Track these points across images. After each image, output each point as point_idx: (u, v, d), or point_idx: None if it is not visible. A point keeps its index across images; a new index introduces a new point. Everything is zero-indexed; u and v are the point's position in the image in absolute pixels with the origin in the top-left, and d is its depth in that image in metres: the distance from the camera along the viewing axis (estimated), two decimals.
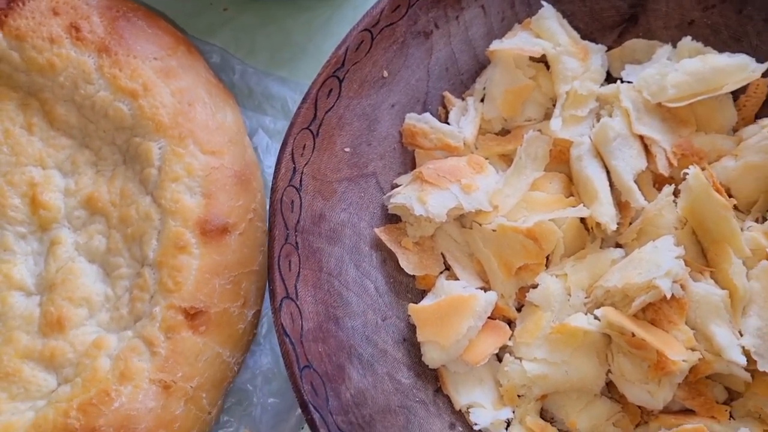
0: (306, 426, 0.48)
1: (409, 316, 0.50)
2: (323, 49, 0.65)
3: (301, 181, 0.48)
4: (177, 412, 0.48)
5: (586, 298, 0.49)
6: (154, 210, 0.50)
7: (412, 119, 0.53)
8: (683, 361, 0.44)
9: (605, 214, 0.48)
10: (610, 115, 0.52)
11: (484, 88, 0.55)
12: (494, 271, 0.50)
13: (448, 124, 0.54)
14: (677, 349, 0.44)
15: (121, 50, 0.52)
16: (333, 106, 0.50)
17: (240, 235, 0.50)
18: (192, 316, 0.48)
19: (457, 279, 0.50)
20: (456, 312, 0.47)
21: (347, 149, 0.51)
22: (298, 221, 0.47)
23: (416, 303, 0.50)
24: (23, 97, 0.53)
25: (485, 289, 0.49)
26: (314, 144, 0.49)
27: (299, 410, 0.51)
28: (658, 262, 0.45)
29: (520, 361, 0.47)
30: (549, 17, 0.54)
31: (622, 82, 0.53)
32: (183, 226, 0.49)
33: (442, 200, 0.49)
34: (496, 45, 0.54)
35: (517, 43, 0.54)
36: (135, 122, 0.51)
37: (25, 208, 0.51)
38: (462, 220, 0.52)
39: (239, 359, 0.52)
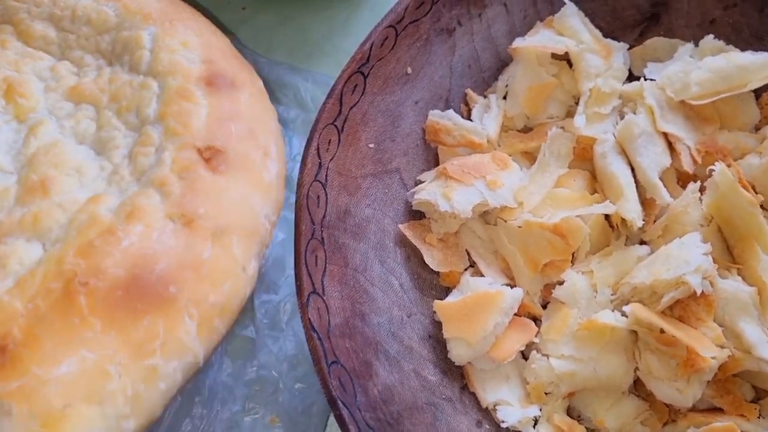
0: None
1: (434, 312, 0.49)
2: (342, 48, 0.65)
3: (326, 176, 0.48)
4: (204, 256, 0.41)
5: (612, 294, 0.48)
6: (151, 79, 0.47)
7: (435, 116, 0.53)
8: (713, 358, 0.44)
9: (631, 210, 0.48)
10: (634, 113, 0.52)
11: (507, 86, 0.55)
12: (520, 268, 0.49)
13: (471, 121, 0.54)
14: (707, 346, 0.44)
15: None
16: (357, 102, 0.50)
17: (251, 96, 0.48)
18: (208, 156, 0.43)
19: (481, 276, 0.50)
20: (482, 308, 0.47)
21: (371, 145, 0.51)
22: (324, 216, 0.47)
23: (441, 299, 0.50)
24: None
25: (510, 286, 0.49)
26: (339, 139, 0.49)
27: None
28: (687, 258, 0.45)
29: (547, 358, 0.47)
30: (571, 15, 0.54)
31: (645, 80, 0.53)
32: (185, 81, 0.46)
33: (467, 196, 0.49)
34: (518, 42, 0.54)
35: (539, 40, 0.54)
36: (120, 20, 0.50)
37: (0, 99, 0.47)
38: (486, 216, 0.52)
39: (271, 218, 0.46)
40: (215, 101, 0.47)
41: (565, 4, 0.54)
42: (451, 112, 0.53)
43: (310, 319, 0.44)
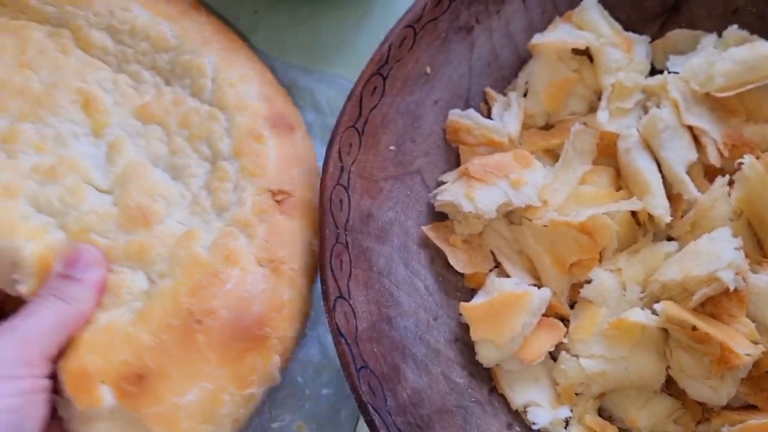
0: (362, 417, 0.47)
1: (460, 315, 0.49)
2: (356, 48, 0.64)
3: (348, 179, 0.47)
4: (285, 297, 0.46)
5: (641, 292, 0.48)
6: (218, 111, 0.49)
7: (455, 115, 0.52)
8: (747, 355, 0.43)
9: (659, 206, 0.47)
10: (658, 107, 0.51)
11: (527, 83, 0.54)
12: (546, 268, 0.49)
13: (491, 119, 0.53)
14: (741, 343, 0.43)
15: None
16: (377, 104, 0.49)
17: (303, 137, 0.51)
18: (281, 200, 0.47)
19: (507, 276, 0.49)
20: (510, 309, 0.46)
21: (392, 147, 0.50)
22: (347, 220, 0.47)
23: (466, 301, 0.49)
24: (51, 28, 0.51)
25: (537, 286, 0.48)
26: (360, 142, 0.49)
27: (354, 401, 0.50)
28: (718, 253, 0.44)
29: (577, 358, 0.46)
30: (591, 8, 0.53)
31: (667, 72, 0.52)
32: (253, 120, 0.49)
33: (491, 196, 0.48)
34: (538, 38, 0.53)
35: (559, 35, 0.53)
36: (179, 42, 0.51)
37: (78, 112, 0.48)
38: (510, 216, 0.51)
39: None
40: (280, 143, 0.49)
41: None
42: (471, 111, 0.52)
43: (337, 324, 0.43)
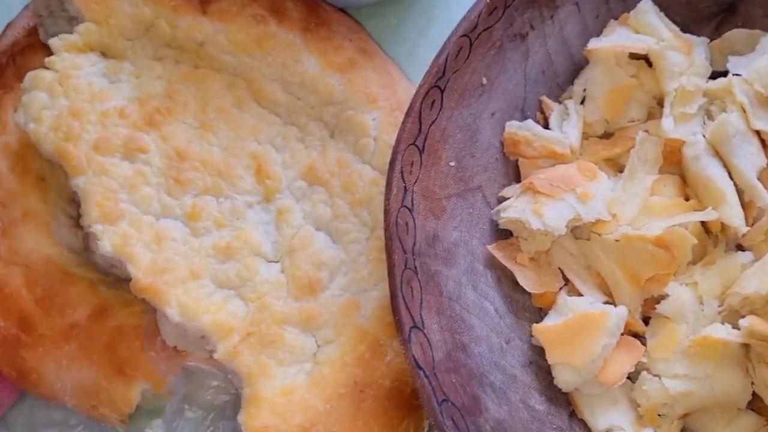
0: None
1: (531, 336, 0.47)
2: (395, 57, 0.62)
3: (412, 200, 0.45)
4: None
5: (719, 306, 0.46)
6: (380, 177, 0.49)
7: (513, 127, 0.50)
8: None
9: (735, 216, 0.46)
10: (724, 111, 0.49)
11: (584, 90, 0.52)
12: (619, 284, 0.47)
13: (549, 130, 0.51)
14: None
15: (322, 30, 0.52)
16: (436, 118, 0.47)
17: None
18: None
19: (577, 294, 0.47)
20: (587, 330, 0.44)
21: (452, 163, 0.48)
22: (414, 244, 0.44)
23: (535, 322, 0.47)
24: (228, 78, 0.51)
25: (608, 303, 0.47)
26: (421, 160, 0.46)
27: None
28: None
29: (659, 378, 0.44)
30: (648, 11, 0.51)
31: (727, 75, 0.50)
32: None
33: (559, 212, 0.46)
34: (594, 43, 0.51)
35: (617, 40, 0.51)
36: (345, 96, 0.51)
37: (250, 178, 0.49)
38: (576, 231, 0.49)
39: None
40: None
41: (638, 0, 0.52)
42: (529, 122, 0.50)
43: (414, 356, 0.41)
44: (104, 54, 0.50)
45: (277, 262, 0.49)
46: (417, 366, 0.41)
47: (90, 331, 0.48)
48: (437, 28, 0.63)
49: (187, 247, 0.47)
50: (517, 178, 0.51)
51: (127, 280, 0.50)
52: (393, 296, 0.42)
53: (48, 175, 0.50)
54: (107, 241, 0.46)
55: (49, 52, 0.51)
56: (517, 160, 0.51)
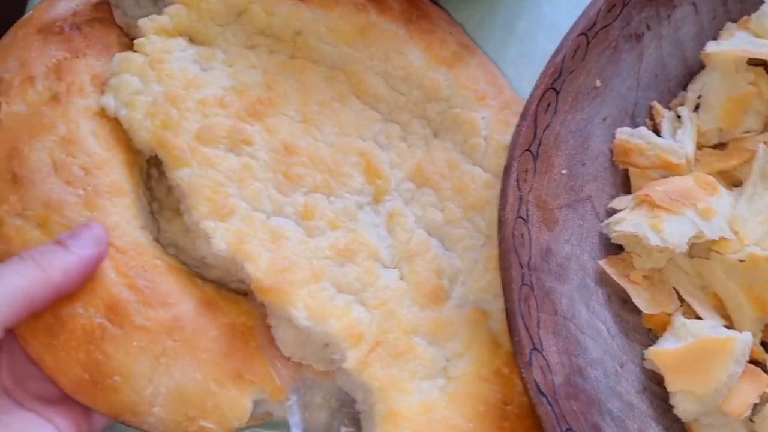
0: None
1: (644, 360, 0.44)
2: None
3: (527, 211, 0.42)
4: None
5: None
6: (493, 179, 0.46)
7: (625, 134, 0.47)
8: None
9: None
10: None
11: (699, 97, 0.49)
12: (741, 307, 0.44)
13: (661, 137, 0.48)
14: None
15: (424, 22, 0.48)
16: (550, 122, 0.44)
17: None
18: None
19: (694, 316, 0.44)
20: (711, 357, 0.41)
21: (564, 171, 0.45)
22: (529, 258, 0.41)
23: (644, 344, 0.44)
24: (326, 70, 0.48)
25: (727, 327, 0.43)
26: (535, 167, 0.43)
27: None
28: None
29: None
30: None
31: None
32: None
33: (680, 227, 0.43)
34: (713, 47, 0.48)
35: (738, 44, 0.47)
36: (452, 93, 0.47)
37: (360, 177, 0.46)
38: (691, 248, 0.46)
39: None
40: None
41: (762, 2, 0.48)
42: (642, 129, 0.47)
43: (536, 381, 0.38)
44: (192, 40, 0.47)
45: (395, 268, 0.45)
46: (539, 392, 0.38)
47: (198, 325, 0.42)
48: (524, 26, 0.59)
49: (303, 248, 0.43)
50: (626, 189, 0.48)
51: (215, 282, 0.46)
52: (510, 314, 0.39)
53: (132, 155, 0.45)
54: (221, 239, 0.41)
55: (119, 31, 0.48)
56: (626, 170, 0.48)
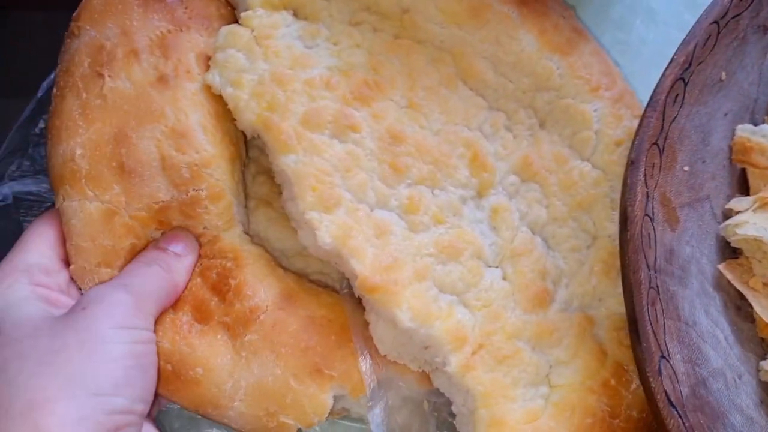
0: None
1: (758, 371, 0.42)
2: None
3: (653, 209, 0.39)
4: None
5: None
6: (602, 176, 0.43)
7: (746, 132, 0.44)
8: None
9: None
10: None
11: None
12: None
13: None
14: None
15: (538, 5, 0.46)
16: (677, 115, 0.41)
17: None
18: None
19: None
20: None
21: (686, 168, 0.42)
22: (655, 259, 0.39)
23: (759, 354, 0.42)
24: (433, 51, 0.45)
25: None
26: (660, 162, 0.40)
27: None
28: None
29: None
30: None
31: None
32: None
33: None
34: None
35: None
36: (564, 82, 0.45)
37: (465, 169, 0.43)
38: None
39: None
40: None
41: None
42: (765, 127, 0.44)
43: (666, 391, 0.36)
44: (296, 14, 0.44)
45: (497, 267, 0.43)
46: (670, 404, 0.35)
47: (277, 319, 0.41)
48: (620, 11, 0.56)
49: (408, 244, 0.41)
50: (743, 189, 0.45)
51: (297, 273, 0.44)
52: (637, 319, 0.37)
53: (237, 141, 0.43)
54: (325, 232, 0.39)
55: (218, 2, 0.45)
56: (744, 169, 0.45)
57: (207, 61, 0.42)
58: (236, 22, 0.44)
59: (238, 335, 0.40)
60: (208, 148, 0.41)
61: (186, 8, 0.43)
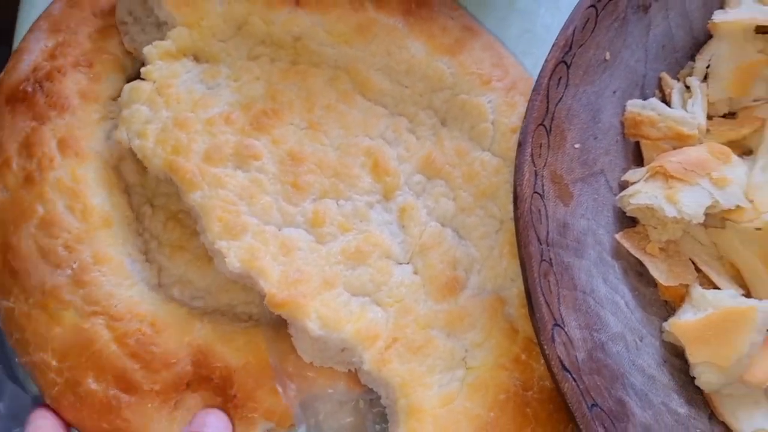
0: None
1: (662, 332, 0.44)
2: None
3: (543, 186, 0.41)
4: None
5: None
6: (501, 162, 0.46)
7: (635, 107, 0.46)
8: None
9: None
10: None
11: (707, 67, 0.48)
12: (758, 276, 0.43)
13: (671, 108, 0.47)
14: None
15: (423, 11, 0.48)
16: (562, 96, 0.43)
17: None
18: None
19: (712, 287, 0.44)
20: (733, 327, 0.41)
21: (577, 145, 0.44)
22: (547, 234, 0.41)
23: (661, 316, 0.44)
24: (329, 71, 0.47)
25: (745, 297, 0.43)
26: (549, 142, 0.42)
27: None
28: None
29: None
30: None
31: None
32: None
33: (696, 198, 0.43)
34: (720, 16, 0.47)
35: (746, 12, 0.47)
36: (456, 80, 0.47)
37: (368, 177, 0.45)
38: (706, 219, 0.46)
39: None
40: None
41: None
42: (654, 100, 0.47)
43: (559, 357, 0.38)
44: (196, 58, 0.46)
45: (408, 263, 0.45)
46: (563, 368, 0.37)
47: (200, 378, 0.43)
48: (525, 2, 0.59)
49: (315, 256, 0.43)
50: (638, 162, 0.47)
51: (215, 311, 0.46)
52: (531, 291, 0.39)
53: (110, 211, 0.45)
54: (234, 257, 0.41)
55: (82, 68, 0.47)
56: (638, 142, 0.47)
57: (69, 143, 0.45)
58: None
59: (169, 399, 0.43)
60: (76, 225, 0.44)
61: (46, 95, 0.46)
